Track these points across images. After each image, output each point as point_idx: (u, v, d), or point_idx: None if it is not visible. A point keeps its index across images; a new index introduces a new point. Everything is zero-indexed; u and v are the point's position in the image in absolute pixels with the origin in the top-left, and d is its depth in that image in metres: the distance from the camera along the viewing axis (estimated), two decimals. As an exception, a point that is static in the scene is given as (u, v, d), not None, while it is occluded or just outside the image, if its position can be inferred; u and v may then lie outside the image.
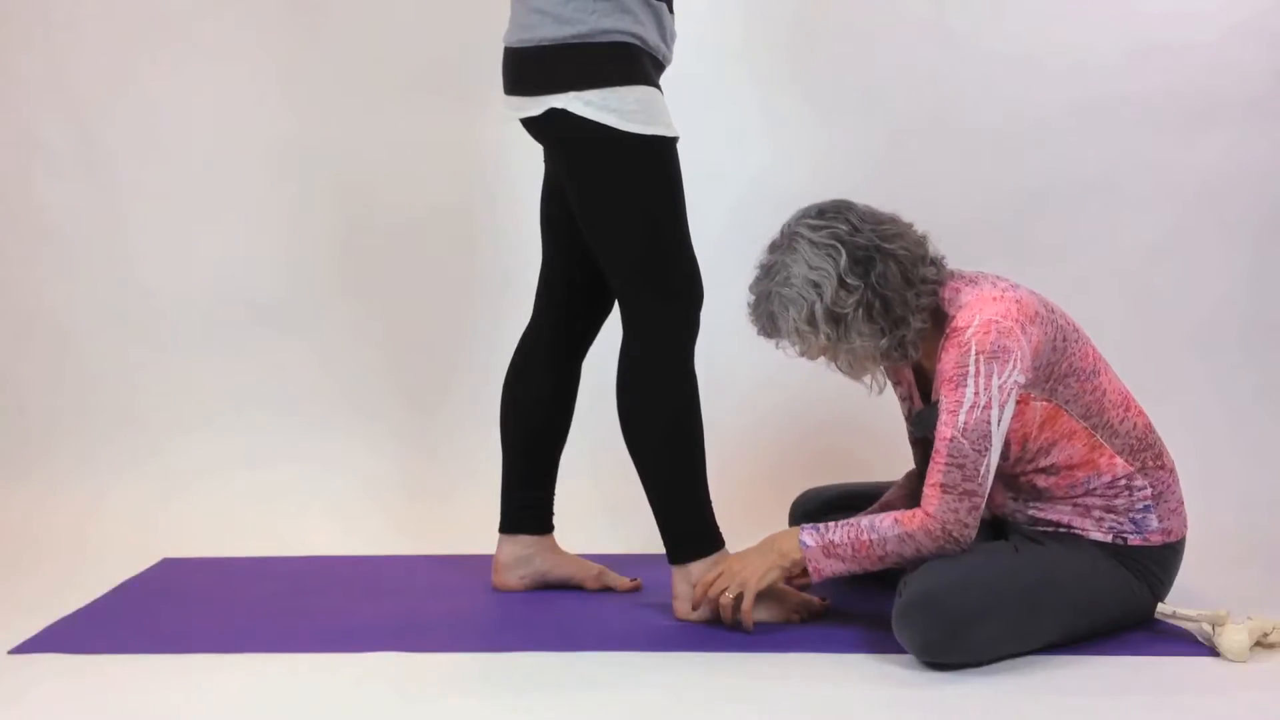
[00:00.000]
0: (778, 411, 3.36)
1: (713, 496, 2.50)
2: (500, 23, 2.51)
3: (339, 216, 3.40)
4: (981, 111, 3.27)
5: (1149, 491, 2.32)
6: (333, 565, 2.92)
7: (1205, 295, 3.26)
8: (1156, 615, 2.30)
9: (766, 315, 2.32)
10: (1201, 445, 3.02)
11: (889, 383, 2.48)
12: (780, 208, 3.33)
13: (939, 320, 2.31)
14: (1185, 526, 2.38)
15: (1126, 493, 2.31)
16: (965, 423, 2.19)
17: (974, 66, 3.28)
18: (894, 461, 3.12)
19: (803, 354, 2.35)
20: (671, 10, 2.45)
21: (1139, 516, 2.32)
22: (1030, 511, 2.38)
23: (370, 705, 2.08)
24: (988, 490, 2.24)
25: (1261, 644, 2.25)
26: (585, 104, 2.33)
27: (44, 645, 2.37)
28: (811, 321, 2.26)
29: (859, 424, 3.31)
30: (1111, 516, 2.32)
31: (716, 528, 2.48)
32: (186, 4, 3.36)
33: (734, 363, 3.33)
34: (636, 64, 2.36)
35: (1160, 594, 2.34)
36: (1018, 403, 2.25)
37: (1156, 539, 2.32)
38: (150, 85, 3.37)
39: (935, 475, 2.23)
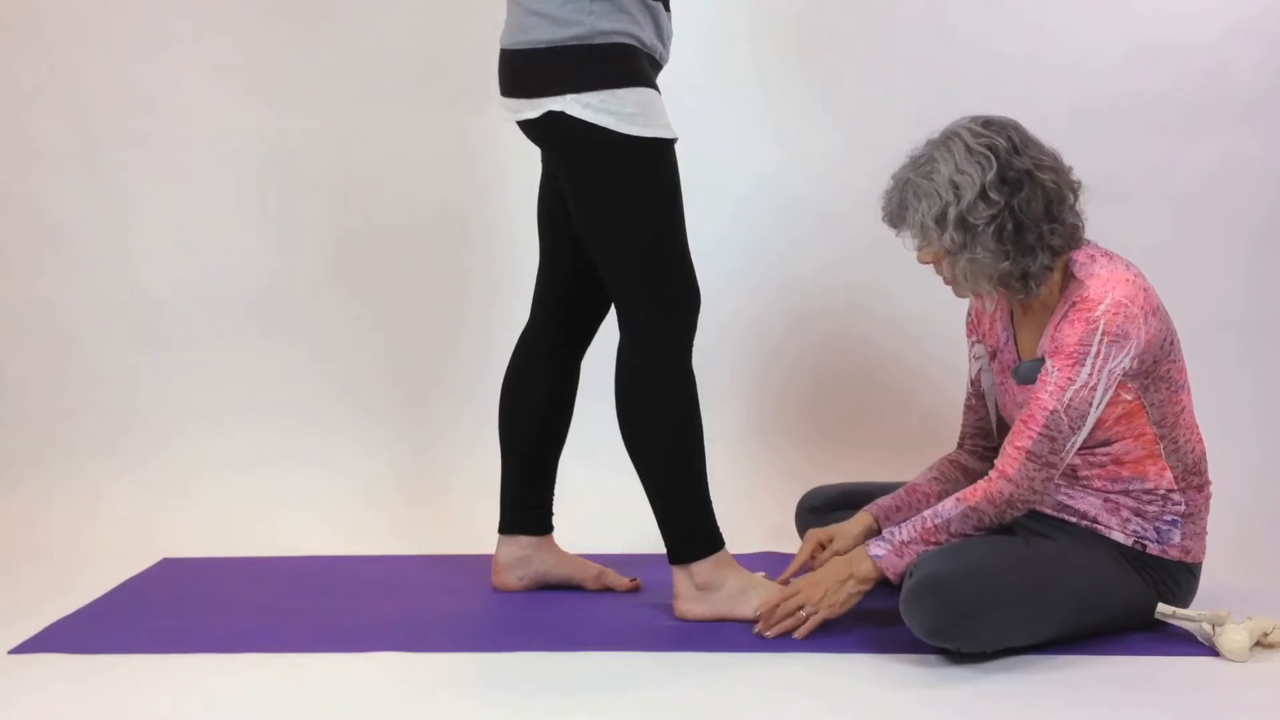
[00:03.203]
0: (779, 412, 3.35)
1: (714, 497, 2.50)
2: (495, 22, 2.50)
3: (338, 217, 3.39)
4: (981, 111, 3.27)
5: (1182, 508, 2.32)
6: (333, 565, 2.92)
7: (1202, 295, 3.25)
8: (1156, 615, 2.30)
9: (898, 201, 2.30)
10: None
11: (973, 342, 2.51)
12: (783, 210, 3.37)
13: (1066, 280, 2.29)
14: (1203, 553, 2.38)
15: (1160, 502, 2.32)
16: (1071, 399, 2.20)
17: (974, 67, 3.28)
18: (896, 461, 3.12)
19: (919, 251, 2.32)
20: (668, 9, 2.45)
21: (1164, 528, 2.32)
22: (1060, 497, 2.38)
23: (370, 705, 2.08)
24: (1064, 466, 2.25)
25: (1261, 644, 2.25)
26: (584, 106, 2.32)
27: (44, 645, 2.37)
28: (940, 221, 2.24)
29: (861, 424, 3.31)
30: (1138, 520, 2.32)
31: (717, 528, 2.48)
32: (185, 6, 3.36)
33: (735, 363, 3.34)
34: (635, 65, 2.36)
35: (1171, 603, 2.34)
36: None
37: (1174, 554, 2.32)
38: (150, 86, 3.37)
39: (1023, 440, 2.22)
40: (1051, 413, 2.20)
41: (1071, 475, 2.35)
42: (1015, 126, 2.29)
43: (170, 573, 2.89)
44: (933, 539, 2.26)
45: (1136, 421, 2.28)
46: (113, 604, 2.65)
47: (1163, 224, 3.26)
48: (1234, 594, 2.51)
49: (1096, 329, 2.19)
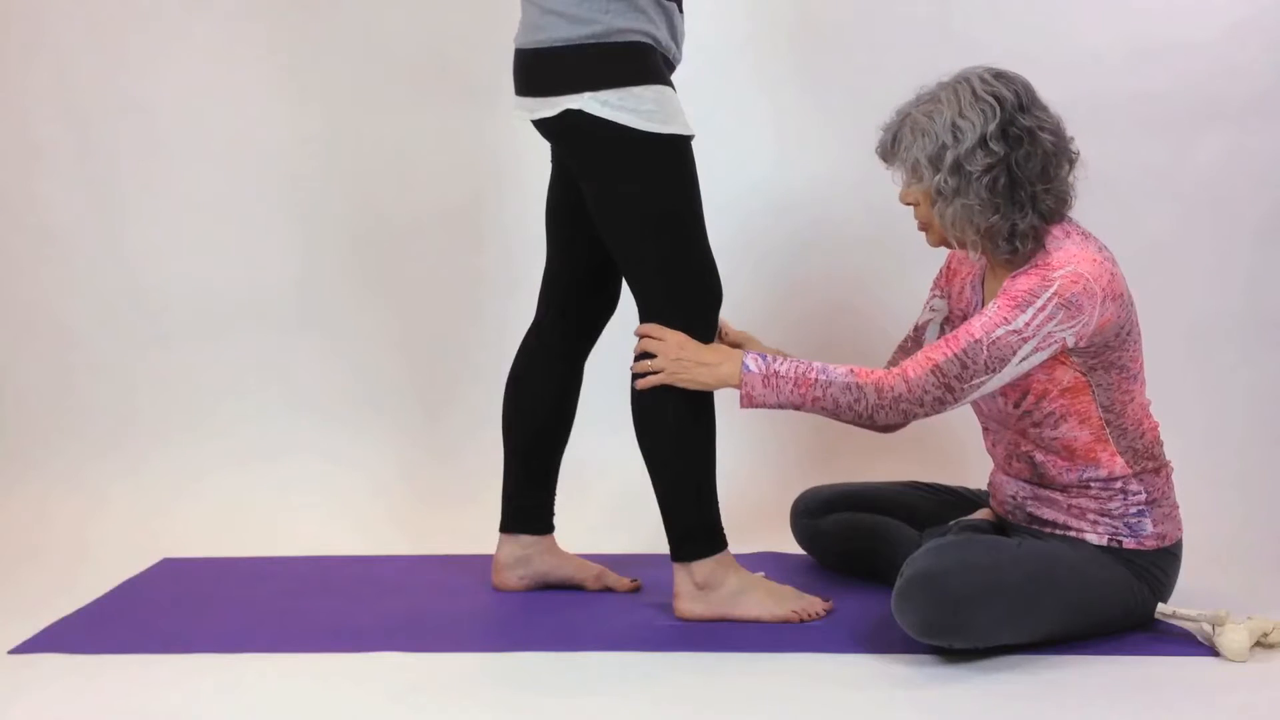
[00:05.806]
0: (779, 411, 3.35)
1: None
2: (506, 20, 2.50)
3: (343, 216, 3.39)
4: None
5: (1143, 496, 2.32)
6: (333, 565, 2.92)
7: (1203, 294, 3.25)
8: (1156, 615, 2.30)
9: (893, 135, 2.30)
10: (1199, 444, 3.02)
11: (940, 295, 2.51)
12: (783, 208, 3.37)
13: (1036, 251, 2.26)
14: (1180, 530, 2.38)
15: (1121, 496, 2.31)
16: (997, 337, 2.18)
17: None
18: (895, 461, 3.12)
19: (906, 188, 2.31)
20: (681, 10, 2.45)
21: (1134, 521, 2.32)
22: (1029, 509, 2.38)
23: (370, 706, 2.08)
24: (960, 403, 2.23)
25: (1261, 644, 2.25)
26: (602, 104, 2.32)
27: (44, 645, 2.37)
28: (934, 162, 2.23)
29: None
30: (1106, 520, 2.32)
31: (721, 529, 2.47)
32: (188, 4, 3.35)
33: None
34: (652, 63, 2.35)
35: (1161, 595, 2.34)
36: (1055, 359, 2.24)
37: (1151, 543, 2.32)
38: (151, 85, 3.37)
39: (937, 354, 2.21)
40: (975, 341, 2.19)
41: (1029, 464, 2.35)
42: (1026, 85, 2.28)
43: (170, 573, 2.89)
44: (807, 392, 2.25)
45: (1082, 399, 2.27)
46: (113, 604, 2.65)
47: (1163, 224, 3.25)
48: (1234, 594, 2.52)
49: (1050, 286, 2.18)
